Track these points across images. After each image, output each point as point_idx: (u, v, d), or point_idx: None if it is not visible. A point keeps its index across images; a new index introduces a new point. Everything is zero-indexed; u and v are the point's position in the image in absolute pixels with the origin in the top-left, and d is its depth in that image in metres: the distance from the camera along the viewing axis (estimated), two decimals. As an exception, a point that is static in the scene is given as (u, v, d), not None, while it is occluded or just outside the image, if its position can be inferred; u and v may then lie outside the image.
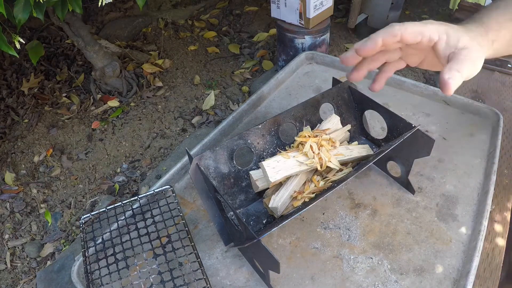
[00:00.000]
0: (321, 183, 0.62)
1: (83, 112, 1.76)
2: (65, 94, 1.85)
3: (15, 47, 1.02)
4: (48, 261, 1.28)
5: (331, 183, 0.61)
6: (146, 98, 1.80)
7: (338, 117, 0.70)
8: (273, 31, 2.12)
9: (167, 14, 2.32)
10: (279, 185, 0.63)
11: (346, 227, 0.65)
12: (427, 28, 0.49)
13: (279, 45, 1.69)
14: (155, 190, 0.67)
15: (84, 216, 0.64)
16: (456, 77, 0.45)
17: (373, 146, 0.74)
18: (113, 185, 1.45)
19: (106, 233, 0.63)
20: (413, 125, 0.62)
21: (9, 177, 1.50)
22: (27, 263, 1.29)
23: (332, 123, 0.68)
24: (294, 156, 0.61)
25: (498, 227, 0.77)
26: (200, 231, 0.66)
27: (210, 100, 1.76)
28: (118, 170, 1.52)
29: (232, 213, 0.61)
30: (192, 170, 0.59)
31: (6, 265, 1.28)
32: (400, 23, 0.50)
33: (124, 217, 0.65)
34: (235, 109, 1.04)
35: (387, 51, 0.55)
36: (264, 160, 0.61)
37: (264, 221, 0.64)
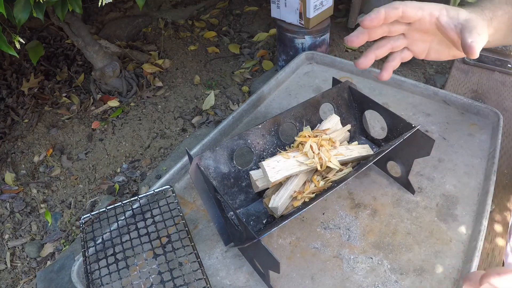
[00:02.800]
0: (321, 183, 0.62)
1: (83, 112, 1.76)
2: (65, 94, 1.85)
3: (15, 47, 1.02)
4: (48, 261, 1.28)
5: (331, 183, 0.61)
6: (146, 98, 1.80)
7: (338, 117, 0.69)
8: (273, 31, 2.12)
9: (167, 14, 2.32)
10: (279, 185, 0.63)
11: (346, 227, 0.65)
12: (426, 5, 0.51)
13: (279, 45, 1.69)
14: (155, 190, 0.67)
15: (84, 216, 0.64)
16: (477, 39, 0.46)
17: (373, 146, 0.74)
18: (113, 185, 1.45)
19: (106, 233, 0.63)
20: (413, 125, 0.62)
21: (9, 177, 1.50)
22: (27, 263, 1.29)
23: (332, 123, 0.68)
24: (294, 156, 0.61)
25: (498, 227, 0.77)
26: (200, 231, 0.66)
27: (210, 100, 1.76)
28: (118, 170, 1.52)
29: (232, 213, 0.61)
30: (192, 170, 0.59)
31: (6, 265, 1.28)
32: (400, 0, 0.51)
33: (124, 217, 0.65)
34: (235, 109, 1.04)
35: (391, 36, 0.56)
36: (264, 160, 0.61)
37: (264, 221, 0.64)
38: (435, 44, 0.55)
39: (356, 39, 0.55)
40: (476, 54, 0.46)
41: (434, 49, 0.56)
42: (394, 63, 0.58)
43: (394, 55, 0.58)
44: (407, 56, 0.58)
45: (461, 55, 0.54)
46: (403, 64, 1.65)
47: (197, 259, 0.58)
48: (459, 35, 0.48)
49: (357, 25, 1.96)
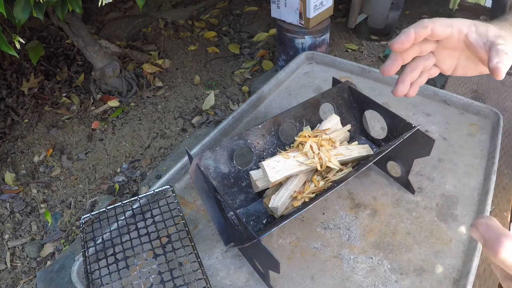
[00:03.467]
0: (321, 183, 0.62)
1: (83, 112, 1.76)
2: (65, 94, 1.85)
3: (15, 47, 1.02)
4: (48, 261, 1.28)
5: (331, 183, 0.61)
6: (146, 98, 1.80)
7: (338, 117, 0.70)
8: (273, 31, 2.12)
9: (167, 14, 2.32)
10: (279, 185, 0.63)
11: (346, 227, 0.65)
12: (455, 21, 0.50)
13: (279, 45, 1.69)
14: (155, 190, 0.67)
15: (84, 216, 0.64)
16: (504, 59, 0.44)
17: (373, 146, 0.74)
18: (113, 185, 1.45)
19: (106, 233, 0.63)
20: (413, 125, 0.62)
21: (9, 177, 1.50)
22: (27, 263, 1.28)
23: (332, 123, 0.68)
24: (294, 156, 0.61)
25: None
26: (200, 231, 0.66)
27: (210, 100, 1.76)
28: (118, 170, 1.51)
29: (232, 213, 0.61)
30: (192, 170, 0.59)
31: (6, 265, 1.28)
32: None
33: (124, 217, 0.65)
34: (235, 109, 1.04)
35: (422, 57, 0.55)
36: (264, 160, 0.61)
37: (264, 221, 0.64)
38: (463, 60, 0.54)
39: (392, 68, 0.53)
40: (501, 76, 0.44)
41: (462, 65, 0.55)
42: (421, 80, 0.57)
43: (423, 74, 0.57)
44: (434, 72, 0.57)
45: (488, 71, 0.52)
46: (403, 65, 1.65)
47: (197, 259, 0.58)
48: (487, 53, 0.46)
49: (357, 26, 1.96)
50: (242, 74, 1.92)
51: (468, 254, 0.60)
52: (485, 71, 0.53)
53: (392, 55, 0.53)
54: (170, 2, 2.45)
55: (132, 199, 0.65)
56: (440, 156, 0.75)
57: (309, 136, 0.63)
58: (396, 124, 0.66)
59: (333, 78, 0.73)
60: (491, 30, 0.48)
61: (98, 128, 1.68)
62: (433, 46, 0.53)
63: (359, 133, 0.76)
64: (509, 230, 0.79)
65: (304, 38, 1.58)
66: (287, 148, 0.68)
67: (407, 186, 0.69)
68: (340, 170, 0.63)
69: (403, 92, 0.56)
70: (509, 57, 0.45)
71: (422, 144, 0.61)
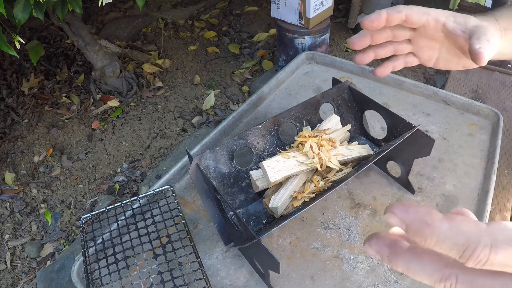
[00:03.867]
0: (321, 183, 0.62)
1: (83, 112, 1.76)
2: (65, 94, 1.85)
3: (15, 47, 1.02)
4: (48, 261, 1.28)
5: (331, 183, 0.61)
6: (146, 98, 1.80)
7: (338, 117, 0.69)
8: (273, 31, 2.12)
9: (167, 14, 2.32)
10: (279, 185, 0.63)
11: (346, 227, 0.65)
12: (432, 10, 0.49)
13: (279, 45, 1.69)
14: (155, 190, 0.67)
15: (84, 216, 0.64)
16: (486, 46, 0.43)
17: (373, 146, 0.74)
18: (113, 185, 1.45)
19: (106, 233, 0.63)
20: (413, 125, 0.62)
21: (9, 177, 1.50)
22: (27, 263, 1.28)
23: (332, 123, 0.68)
24: (294, 156, 0.61)
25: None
26: (200, 231, 0.66)
27: (210, 100, 1.76)
28: (118, 170, 1.51)
29: (232, 213, 0.61)
30: (192, 170, 0.59)
31: (6, 265, 1.28)
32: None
33: (124, 217, 0.65)
34: (235, 109, 1.04)
35: (396, 41, 0.54)
36: (264, 160, 0.61)
37: (264, 221, 0.64)
38: (444, 53, 0.53)
39: (358, 41, 0.53)
40: (484, 61, 0.43)
41: (443, 58, 0.54)
42: (395, 64, 0.57)
43: (398, 59, 0.56)
44: (411, 61, 0.56)
45: (472, 65, 0.51)
46: (390, 60, 1.65)
47: (197, 259, 0.58)
48: (468, 41, 0.46)
49: (357, 26, 1.96)
50: (242, 74, 1.92)
51: (468, 254, 0.60)
52: (469, 65, 0.53)
53: (362, 31, 0.53)
54: (170, 2, 2.45)
55: (132, 199, 0.65)
56: (440, 156, 0.75)
57: (309, 136, 0.63)
58: (396, 124, 0.66)
59: (333, 78, 0.73)
60: (470, 20, 0.47)
61: (98, 128, 1.68)
62: (409, 34, 0.53)
63: (359, 133, 0.76)
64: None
65: (304, 38, 1.58)
66: (287, 148, 0.68)
67: (407, 186, 0.69)
68: (340, 170, 0.63)
69: (360, 59, 0.55)
70: (491, 44, 0.44)
71: (422, 144, 0.61)
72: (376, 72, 0.57)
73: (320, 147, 0.62)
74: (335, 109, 0.72)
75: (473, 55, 0.44)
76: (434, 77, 1.81)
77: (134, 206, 0.67)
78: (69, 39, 2.05)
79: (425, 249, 0.25)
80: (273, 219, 0.64)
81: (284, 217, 0.56)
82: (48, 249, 1.30)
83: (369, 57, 0.55)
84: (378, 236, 0.27)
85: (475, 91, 1.13)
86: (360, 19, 0.50)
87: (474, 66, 0.49)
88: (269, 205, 0.61)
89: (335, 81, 0.73)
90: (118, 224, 0.64)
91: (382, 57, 0.56)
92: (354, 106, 0.73)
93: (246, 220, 0.65)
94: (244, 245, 0.53)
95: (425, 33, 0.51)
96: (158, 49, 2.08)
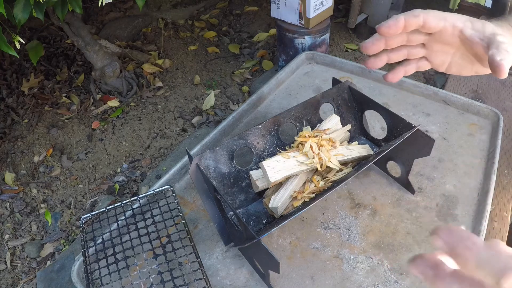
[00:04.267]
0: (321, 183, 0.62)
1: (83, 112, 1.76)
2: (65, 94, 1.85)
3: (15, 47, 1.02)
4: (48, 261, 1.28)
5: (331, 183, 0.61)
6: (146, 98, 1.80)
7: (338, 117, 0.69)
8: (273, 31, 2.12)
9: (167, 14, 2.31)
10: (279, 185, 0.63)
11: (346, 227, 0.65)
12: (449, 15, 0.48)
13: (279, 45, 1.69)
14: (155, 190, 0.67)
15: (84, 216, 0.64)
16: (507, 57, 0.42)
17: (373, 146, 0.74)
18: (113, 185, 1.45)
19: (106, 233, 0.63)
20: (413, 125, 0.62)
21: (9, 177, 1.50)
22: (27, 263, 1.28)
23: (332, 123, 0.68)
24: (294, 156, 0.61)
25: (498, 227, 0.77)
26: (200, 231, 0.66)
27: (210, 100, 1.76)
28: (118, 170, 1.51)
29: (232, 213, 0.61)
30: (192, 170, 0.59)
31: (6, 265, 1.28)
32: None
33: (124, 217, 0.65)
34: (235, 109, 1.04)
35: (409, 45, 0.53)
36: (264, 160, 0.61)
37: (264, 221, 0.64)
38: (457, 58, 0.52)
39: (371, 46, 0.51)
40: (504, 74, 0.42)
41: (456, 63, 0.52)
42: (407, 68, 0.55)
43: (410, 63, 0.55)
44: (424, 65, 0.55)
45: (485, 71, 0.50)
46: (402, 64, 1.65)
47: (197, 259, 0.58)
48: (486, 49, 0.44)
49: (357, 25, 1.96)
50: (242, 74, 1.92)
51: (468, 254, 0.60)
52: (481, 71, 0.52)
53: (376, 35, 0.51)
54: (170, 2, 2.45)
55: (132, 199, 0.65)
56: (440, 156, 0.75)
57: (309, 136, 0.63)
58: (396, 124, 0.66)
59: (333, 78, 0.73)
60: (487, 26, 0.46)
61: (98, 128, 1.68)
62: (424, 38, 0.51)
63: (359, 133, 0.76)
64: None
65: (304, 38, 1.58)
66: (287, 148, 0.68)
67: (407, 186, 0.69)
68: (340, 170, 0.63)
69: (372, 64, 0.53)
70: (510, 55, 0.43)
71: (422, 144, 0.61)
72: (388, 78, 0.55)
73: (320, 147, 0.62)
74: (335, 109, 0.72)
75: (494, 67, 0.42)
76: (434, 77, 1.81)
77: (134, 206, 0.67)
78: (69, 39, 2.05)
79: (467, 274, 0.26)
80: (273, 219, 0.64)
81: (284, 217, 0.56)
82: (48, 249, 1.30)
83: (381, 61, 0.54)
84: (423, 257, 0.28)
85: (475, 91, 1.13)
86: (378, 25, 0.48)
87: (487, 72, 0.48)
88: (269, 205, 0.61)
89: (335, 81, 0.73)
90: (118, 224, 0.64)
91: (395, 61, 0.54)
92: (354, 106, 0.73)
93: (246, 220, 0.65)
94: (244, 245, 0.53)
95: (440, 38, 0.50)
96: (158, 49, 2.08)
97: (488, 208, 0.63)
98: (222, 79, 1.91)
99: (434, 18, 0.47)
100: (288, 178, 0.62)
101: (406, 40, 0.52)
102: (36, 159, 1.57)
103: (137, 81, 1.86)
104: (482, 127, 0.81)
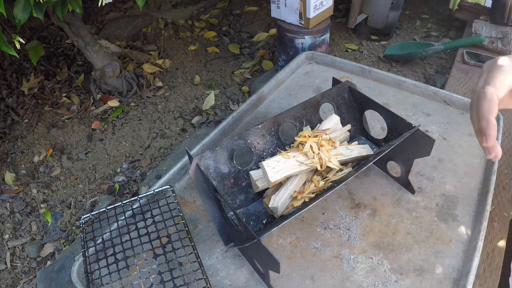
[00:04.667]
0: (321, 183, 0.62)
1: (83, 112, 1.76)
2: (65, 94, 1.85)
3: (15, 47, 1.02)
4: (48, 261, 1.28)
5: (331, 183, 0.61)
6: (146, 98, 1.80)
7: (338, 117, 0.70)
8: (273, 31, 2.12)
9: (167, 14, 2.32)
10: (279, 185, 0.63)
11: (346, 227, 0.65)
12: (508, 75, 0.49)
13: (279, 45, 1.69)
14: (155, 190, 0.67)
15: (84, 216, 0.64)
16: None
17: (373, 146, 0.74)
18: (113, 185, 1.45)
19: (106, 233, 0.63)
20: (413, 125, 0.62)
21: (9, 177, 1.49)
22: (27, 263, 1.28)
23: (332, 123, 0.68)
24: (294, 156, 0.61)
25: (498, 227, 0.77)
26: (200, 231, 0.66)
27: (210, 100, 1.76)
28: (118, 170, 1.51)
29: (232, 213, 0.61)
30: (192, 170, 0.59)
31: (6, 265, 1.28)
32: (486, 83, 0.49)
33: (124, 217, 0.65)
34: (235, 109, 1.04)
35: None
36: (264, 160, 0.61)
37: (264, 221, 0.64)
38: (507, 97, 0.53)
39: (492, 138, 0.51)
40: None
41: (505, 101, 0.54)
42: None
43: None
44: None
45: None
46: (403, 64, 1.65)
47: (197, 259, 0.58)
48: None
49: (357, 26, 1.96)
50: (242, 74, 1.92)
51: (468, 254, 0.60)
52: None
53: (487, 129, 0.51)
54: (170, 2, 2.45)
55: (132, 199, 0.65)
56: (440, 156, 0.75)
57: (309, 136, 0.63)
58: (396, 124, 0.66)
59: (333, 78, 0.73)
60: None
61: (98, 128, 1.68)
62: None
63: (359, 133, 0.76)
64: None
65: (304, 38, 1.58)
66: (287, 148, 0.68)
67: (407, 186, 0.69)
68: (340, 170, 0.63)
69: (498, 155, 0.53)
70: None
71: (422, 144, 0.61)
72: (499, 156, 0.55)
73: (320, 147, 0.62)
74: (335, 109, 0.72)
75: None
76: (434, 77, 1.81)
77: (134, 206, 0.67)
78: (69, 39, 2.05)
79: None
80: (273, 219, 0.64)
81: (284, 217, 0.56)
82: (48, 249, 1.30)
83: (497, 146, 0.54)
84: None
85: (475, 91, 1.13)
86: (484, 144, 0.49)
87: None
88: (269, 205, 0.61)
89: (335, 81, 0.73)
90: (118, 224, 0.64)
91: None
92: (354, 106, 0.73)
93: (246, 220, 0.65)
94: (244, 245, 0.53)
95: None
96: (158, 49, 2.08)
97: (488, 208, 0.63)
98: (222, 79, 1.91)
99: (504, 92, 0.49)
100: (288, 178, 0.62)
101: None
102: (36, 159, 1.57)
103: (137, 81, 1.86)
104: (482, 127, 0.81)
